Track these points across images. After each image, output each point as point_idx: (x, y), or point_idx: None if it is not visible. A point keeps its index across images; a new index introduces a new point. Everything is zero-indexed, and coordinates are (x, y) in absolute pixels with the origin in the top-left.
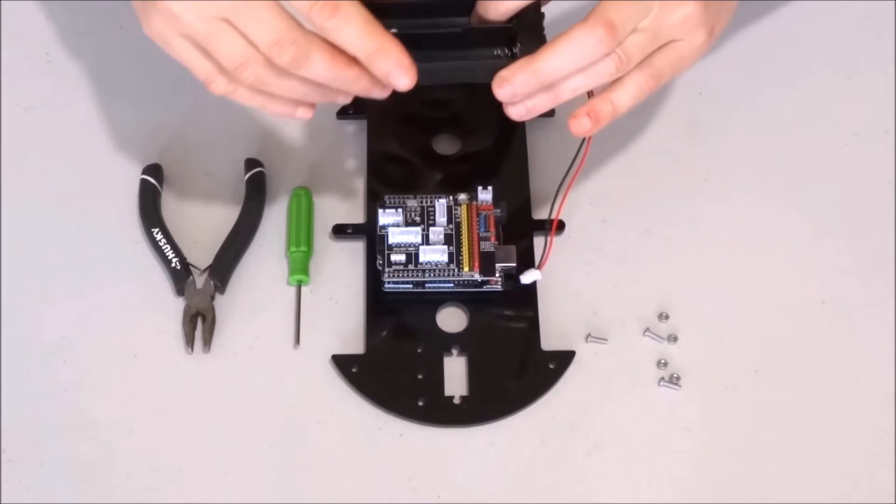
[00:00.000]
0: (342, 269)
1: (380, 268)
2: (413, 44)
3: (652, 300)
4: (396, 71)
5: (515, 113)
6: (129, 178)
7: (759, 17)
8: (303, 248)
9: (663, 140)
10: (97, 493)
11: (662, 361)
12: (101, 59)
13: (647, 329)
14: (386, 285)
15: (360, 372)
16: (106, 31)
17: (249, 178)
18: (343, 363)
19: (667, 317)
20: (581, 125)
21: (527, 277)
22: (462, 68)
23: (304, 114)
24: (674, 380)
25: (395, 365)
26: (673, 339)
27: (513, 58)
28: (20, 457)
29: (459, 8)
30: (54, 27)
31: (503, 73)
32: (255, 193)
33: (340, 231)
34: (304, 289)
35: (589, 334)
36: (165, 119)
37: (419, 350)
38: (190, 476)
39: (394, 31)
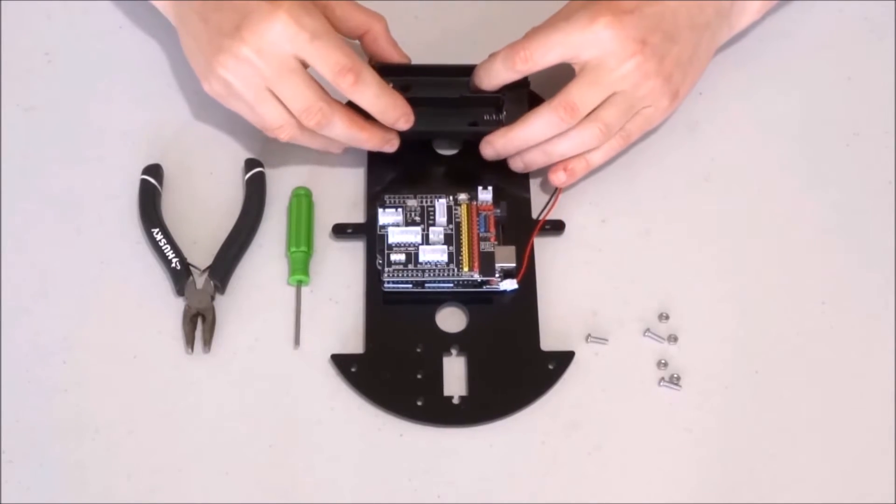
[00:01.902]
0: (342, 269)
1: (379, 267)
2: (419, 103)
3: (652, 300)
4: (402, 118)
5: (514, 166)
6: (129, 178)
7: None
8: (303, 248)
9: (663, 140)
10: (97, 493)
11: (662, 362)
12: (101, 59)
13: (647, 329)
14: (385, 285)
15: (359, 371)
16: (106, 31)
17: (249, 178)
18: (342, 363)
19: (667, 317)
20: (559, 178)
21: (504, 284)
22: (457, 130)
23: (336, 149)
24: (674, 380)
25: (394, 364)
26: (673, 339)
27: (499, 123)
28: (20, 457)
29: (460, 71)
30: (54, 27)
31: (488, 137)
32: (255, 193)
33: (340, 231)
34: (304, 289)
35: (589, 334)
36: (165, 119)
37: (419, 350)
38: (190, 476)
39: (408, 95)
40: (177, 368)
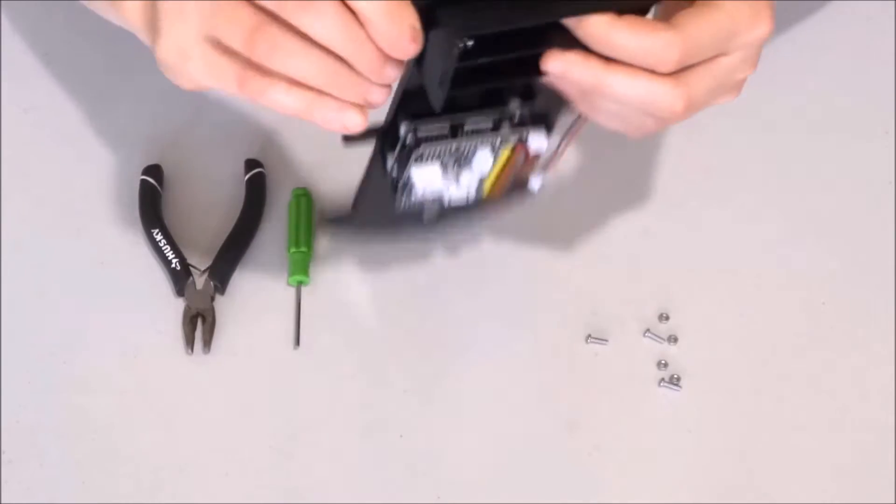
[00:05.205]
0: (343, 269)
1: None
2: None
3: (652, 300)
4: (408, 32)
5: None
6: (129, 179)
7: None
8: (303, 249)
9: (663, 140)
10: (97, 493)
11: (663, 362)
12: (101, 59)
13: (648, 330)
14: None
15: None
16: (106, 31)
17: (249, 178)
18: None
19: (667, 317)
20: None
21: (534, 183)
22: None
23: (354, 120)
24: (674, 380)
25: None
26: (673, 339)
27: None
28: (20, 457)
29: None
30: (54, 27)
31: (567, 55)
32: (255, 194)
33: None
34: (304, 289)
35: (589, 334)
36: (165, 119)
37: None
38: (190, 476)
39: None
40: (177, 368)
